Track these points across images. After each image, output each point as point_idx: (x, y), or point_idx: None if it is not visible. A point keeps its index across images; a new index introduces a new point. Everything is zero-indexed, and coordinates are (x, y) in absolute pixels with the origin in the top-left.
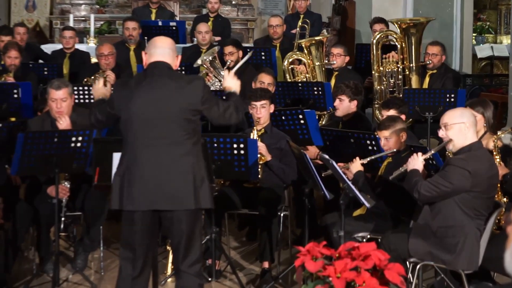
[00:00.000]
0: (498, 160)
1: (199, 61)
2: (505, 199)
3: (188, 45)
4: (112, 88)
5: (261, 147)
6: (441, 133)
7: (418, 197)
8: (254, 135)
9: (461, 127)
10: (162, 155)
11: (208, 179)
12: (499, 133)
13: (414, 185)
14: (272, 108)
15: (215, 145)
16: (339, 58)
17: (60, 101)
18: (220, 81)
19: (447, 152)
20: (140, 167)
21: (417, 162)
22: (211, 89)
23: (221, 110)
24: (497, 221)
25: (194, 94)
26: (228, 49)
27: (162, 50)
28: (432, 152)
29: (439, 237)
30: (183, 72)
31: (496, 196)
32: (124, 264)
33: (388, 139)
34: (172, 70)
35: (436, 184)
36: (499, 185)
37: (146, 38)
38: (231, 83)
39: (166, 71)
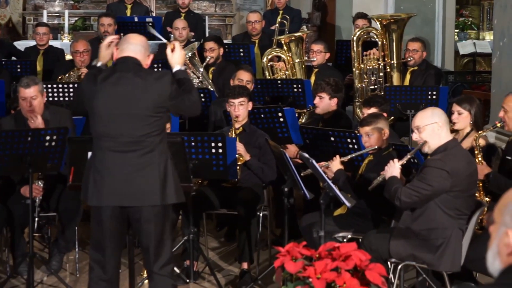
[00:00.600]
0: (480, 159)
1: None
2: (487, 199)
3: (164, 41)
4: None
5: (240, 147)
6: (415, 136)
7: (399, 204)
8: (232, 133)
9: (434, 127)
10: (129, 151)
11: (175, 175)
12: (480, 132)
13: (394, 192)
14: (250, 105)
15: (193, 143)
16: (319, 55)
17: (30, 99)
18: (198, 78)
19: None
20: (106, 163)
21: (394, 169)
22: None
23: (188, 104)
24: (479, 220)
25: (162, 90)
26: (209, 45)
27: (134, 47)
28: (408, 157)
29: (421, 239)
30: (160, 69)
31: (478, 195)
32: (94, 266)
33: (369, 136)
34: (141, 66)
35: (416, 188)
36: (481, 184)
37: (122, 34)
38: (176, 57)
39: (134, 67)
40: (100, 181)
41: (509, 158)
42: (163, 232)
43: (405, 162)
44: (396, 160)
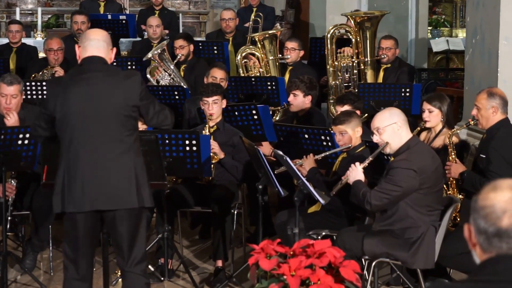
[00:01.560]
0: (453, 156)
1: (149, 55)
2: (460, 196)
3: (138, 39)
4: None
5: (214, 145)
6: (375, 138)
7: (370, 208)
8: (206, 131)
9: (393, 127)
10: (102, 154)
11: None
12: (453, 130)
13: (363, 197)
14: (224, 103)
15: (167, 141)
16: (293, 52)
17: (11, 97)
18: (169, 75)
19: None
20: (80, 167)
21: (357, 172)
22: (161, 83)
23: (157, 109)
24: (452, 217)
25: (132, 89)
26: (179, 42)
27: (97, 43)
28: (370, 159)
29: (395, 237)
30: (133, 67)
31: (452, 192)
32: (68, 265)
33: (343, 134)
34: (108, 65)
35: (385, 191)
36: (454, 181)
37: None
38: None
39: (102, 66)
40: (73, 186)
41: (483, 156)
42: (137, 232)
43: (366, 164)
44: (357, 163)
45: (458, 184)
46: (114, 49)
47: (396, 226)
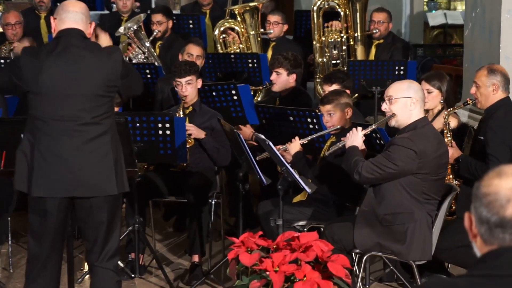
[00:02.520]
0: (449, 138)
1: (121, 30)
2: (456, 182)
3: (106, 12)
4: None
5: (190, 126)
6: (384, 106)
7: (358, 179)
8: (180, 113)
9: (406, 102)
10: (78, 135)
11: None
12: (449, 110)
13: (354, 165)
14: (199, 83)
15: (138, 124)
16: (276, 26)
17: None
18: (144, 53)
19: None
20: (54, 148)
21: (356, 137)
22: (134, 61)
23: (136, 80)
24: (450, 207)
25: (114, 68)
26: (157, 17)
27: (75, 15)
28: (373, 126)
29: (386, 226)
30: None
31: (447, 178)
32: (32, 261)
33: (331, 115)
34: (88, 39)
35: (380, 165)
36: (449, 166)
37: (58, 4)
38: (103, 43)
39: (82, 41)
40: (47, 169)
41: (481, 138)
42: (113, 222)
43: (369, 131)
44: (359, 128)
45: (454, 169)
46: (93, 24)
47: (387, 211)
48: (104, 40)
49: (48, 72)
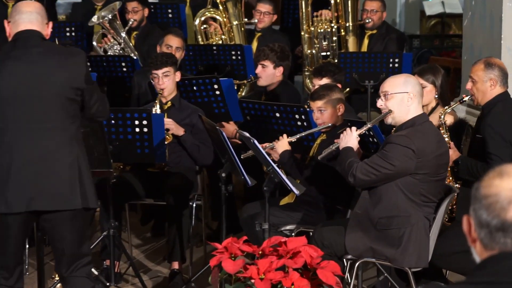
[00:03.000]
0: (447, 139)
1: (94, 19)
2: (457, 185)
3: (79, 0)
4: None
5: (169, 122)
6: (380, 103)
7: (353, 182)
8: (157, 109)
9: (403, 97)
10: (41, 143)
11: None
12: (445, 108)
13: (348, 167)
14: (178, 76)
15: (113, 121)
16: (267, 17)
17: None
18: (119, 44)
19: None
20: (14, 159)
21: (350, 138)
22: (109, 53)
23: (99, 96)
24: (448, 210)
25: (77, 70)
26: (132, 5)
27: (29, 16)
28: (369, 126)
29: (380, 230)
30: (73, 34)
31: (448, 181)
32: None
33: (322, 111)
34: (47, 40)
35: (375, 166)
36: (449, 169)
37: None
38: None
39: (40, 42)
40: (6, 183)
41: (480, 136)
42: (81, 235)
43: (364, 131)
44: (354, 128)
45: (454, 171)
46: (50, 24)
47: (382, 214)
48: None
49: (6, 76)
